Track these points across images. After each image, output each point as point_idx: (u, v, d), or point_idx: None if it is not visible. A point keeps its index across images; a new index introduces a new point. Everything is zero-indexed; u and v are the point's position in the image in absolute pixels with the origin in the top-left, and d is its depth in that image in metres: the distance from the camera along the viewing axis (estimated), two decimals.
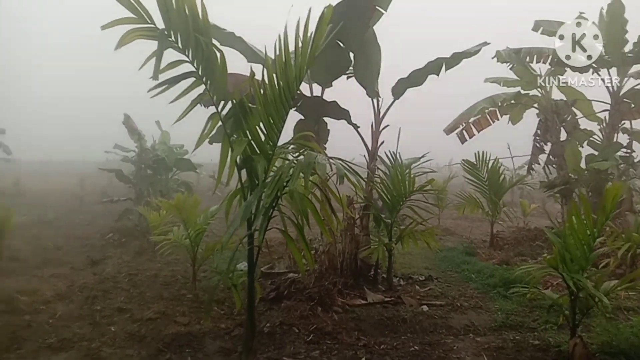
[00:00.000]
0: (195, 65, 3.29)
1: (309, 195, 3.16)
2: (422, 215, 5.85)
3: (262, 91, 3.11)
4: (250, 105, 3.19)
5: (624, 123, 8.80)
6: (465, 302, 5.33)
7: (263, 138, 3.27)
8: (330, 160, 2.70)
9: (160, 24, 3.18)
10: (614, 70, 8.70)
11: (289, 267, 6.21)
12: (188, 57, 3.28)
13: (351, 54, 5.79)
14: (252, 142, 3.23)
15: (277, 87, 3.05)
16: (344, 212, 4.66)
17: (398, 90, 5.97)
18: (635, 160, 8.30)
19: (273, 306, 4.96)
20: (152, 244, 6.98)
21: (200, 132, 3.46)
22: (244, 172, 3.30)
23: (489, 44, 6.12)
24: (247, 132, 3.21)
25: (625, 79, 8.68)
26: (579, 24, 7.68)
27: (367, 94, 6.05)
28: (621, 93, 8.71)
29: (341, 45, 5.59)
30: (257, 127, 3.23)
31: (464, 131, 10.57)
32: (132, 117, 10.89)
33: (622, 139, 8.68)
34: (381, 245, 5.63)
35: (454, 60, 5.97)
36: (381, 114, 6.05)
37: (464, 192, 9.72)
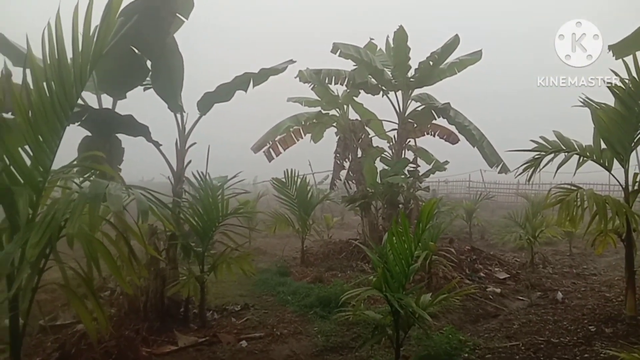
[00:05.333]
0: None
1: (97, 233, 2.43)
2: (236, 239, 5.42)
3: (25, 98, 2.28)
4: (6, 117, 2.31)
5: (410, 141, 9.87)
6: (284, 329, 5.07)
7: (29, 162, 2.42)
8: (128, 189, 2.06)
9: None
10: (399, 93, 9.70)
11: (76, 316, 5.05)
12: None
13: (149, 63, 5.08)
14: (12, 167, 2.35)
15: (47, 92, 2.26)
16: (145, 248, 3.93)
17: (205, 104, 5.46)
18: (420, 174, 9.33)
19: None
20: None
21: None
22: None
23: (295, 61, 6.07)
24: (4, 154, 2.32)
25: (409, 101, 9.75)
26: (372, 49, 8.33)
27: (168, 107, 5.38)
28: (406, 114, 9.75)
29: (136, 51, 4.84)
30: (19, 148, 2.36)
31: (270, 149, 10.60)
32: None
33: (409, 155, 9.72)
34: (192, 277, 5.00)
35: (262, 76, 5.75)
36: (186, 131, 5.43)
37: (274, 211, 9.65)
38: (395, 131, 9.88)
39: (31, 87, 2.27)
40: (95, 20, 2.39)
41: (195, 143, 5.47)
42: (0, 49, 4.80)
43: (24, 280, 1.94)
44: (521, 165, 5.79)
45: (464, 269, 7.62)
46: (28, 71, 2.43)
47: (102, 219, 2.03)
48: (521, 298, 6.55)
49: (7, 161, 2.35)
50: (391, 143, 9.93)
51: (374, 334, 3.63)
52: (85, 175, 3.47)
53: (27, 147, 2.40)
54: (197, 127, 5.55)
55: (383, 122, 10.78)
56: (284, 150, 10.85)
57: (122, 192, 1.95)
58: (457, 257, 7.42)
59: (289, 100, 11.14)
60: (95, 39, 2.25)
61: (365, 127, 10.33)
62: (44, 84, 2.26)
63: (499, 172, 9.79)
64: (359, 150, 10.16)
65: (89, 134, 5.03)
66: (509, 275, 7.77)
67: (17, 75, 4.13)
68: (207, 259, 5.31)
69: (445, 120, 9.59)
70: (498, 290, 6.74)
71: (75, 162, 2.91)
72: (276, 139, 10.60)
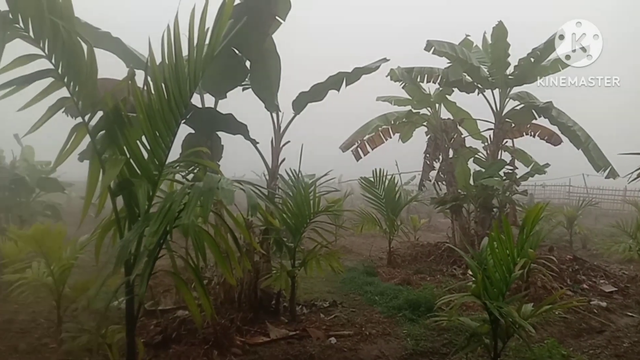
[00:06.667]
0: (53, 61, 2.54)
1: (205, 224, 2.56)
2: (323, 236, 5.48)
3: (145, 97, 2.45)
4: (129, 114, 2.50)
5: (507, 141, 9.37)
6: (373, 330, 5.03)
7: (146, 156, 2.61)
8: (239, 184, 2.14)
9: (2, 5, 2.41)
10: (497, 92, 9.23)
11: (177, 302, 5.40)
12: (44, 50, 2.53)
13: (247, 64, 5.28)
14: (132, 161, 2.55)
15: (165, 91, 2.42)
16: (244, 239, 4.09)
17: (299, 104, 5.56)
18: (517, 177, 8.81)
19: (159, 352, 4.16)
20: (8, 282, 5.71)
21: (61, 148, 2.69)
22: (119, 198, 2.60)
23: (388, 60, 5.98)
24: (125, 148, 2.52)
25: (507, 99, 9.25)
26: (467, 46, 8.01)
27: (265, 107, 5.55)
28: (503, 113, 9.26)
29: (237, 53, 5.05)
30: (139, 142, 2.55)
31: (359, 148, 10.59)
32: None
33: (505, 156, 9.21)
34: (284, 271, 5.12)
35: (355, 75, 5.75)
36: (282, 129, 5.58)
37: (361, 210, 9.63)
38: (491, 131, 9.42)
39: (151, 86, 2.44)
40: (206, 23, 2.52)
41: (289, 141, 5.61)
42: (117, 52, 5.22)
43: (142, 267, 2.09)
44: (636, 170, 5.25)
45: (565, 280, 7.10)
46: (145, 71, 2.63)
47: (211, 211, 2.14)
48: (631, 314, 5.96)
49: (127, 155, 2.55)
50: (486, 143, 9.48)
51: (470, 342, 3.48)
52: (190, 169, 3.68)
53: (144, 141, 2.59)
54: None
55: (478, 121, 10.34)
56: (372, 149, 10.78)
57: (233, 187, 2.04)
58: (558, 267, 6.92)
59: (378, 99, 11.04)
60: (207, 40, 2.36)
61: (458, 126, 9.97)
62: (162, 83, 2.42)
63: (606, 177, 9.00)
64: (450, 150, 9.82)
65: (192, 131, 5.34)
66: (616, 289, 7.11)
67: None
68: (297, 254, 5.43)
69: (546, 120, 8.98)
70: (604, 304, 6.19)
71: (183, 158, 3.08)
72: (364, 138, 10.57)
